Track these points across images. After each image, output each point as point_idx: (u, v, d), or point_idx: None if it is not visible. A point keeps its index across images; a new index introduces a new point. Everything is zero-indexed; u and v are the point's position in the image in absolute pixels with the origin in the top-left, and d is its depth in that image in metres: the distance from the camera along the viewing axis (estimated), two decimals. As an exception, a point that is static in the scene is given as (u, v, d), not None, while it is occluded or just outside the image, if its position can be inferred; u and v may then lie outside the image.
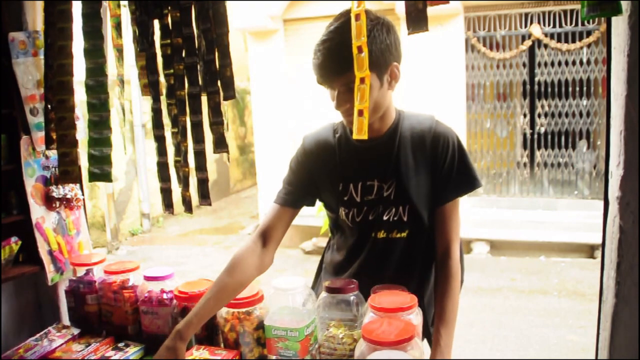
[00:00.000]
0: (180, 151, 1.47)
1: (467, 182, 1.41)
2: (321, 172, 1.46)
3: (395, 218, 1.40)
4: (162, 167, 1.53)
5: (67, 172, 1.53)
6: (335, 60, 1.26)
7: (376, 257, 1.44)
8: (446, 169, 1.38)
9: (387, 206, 1.40)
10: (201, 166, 1.43)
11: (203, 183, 1.44)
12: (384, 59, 1.28)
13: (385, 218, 1.41)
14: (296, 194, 1.47)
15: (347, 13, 1.26)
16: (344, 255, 1.50)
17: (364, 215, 1.42)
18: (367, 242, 1.44)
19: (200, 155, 1.43)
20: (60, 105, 1.51)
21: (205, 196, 1.44)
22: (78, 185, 1.88)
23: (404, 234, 1.42)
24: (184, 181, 1.49)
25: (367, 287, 1.34)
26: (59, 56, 1.50)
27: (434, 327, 1.35)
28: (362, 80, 1.16)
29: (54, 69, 1.52)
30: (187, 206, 1.50)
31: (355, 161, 1.42)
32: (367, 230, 1.43)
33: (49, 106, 1.58)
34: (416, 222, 1.41)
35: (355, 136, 1.17)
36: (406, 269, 1.45)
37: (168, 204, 1.55)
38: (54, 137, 1.58)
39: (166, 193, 1.54)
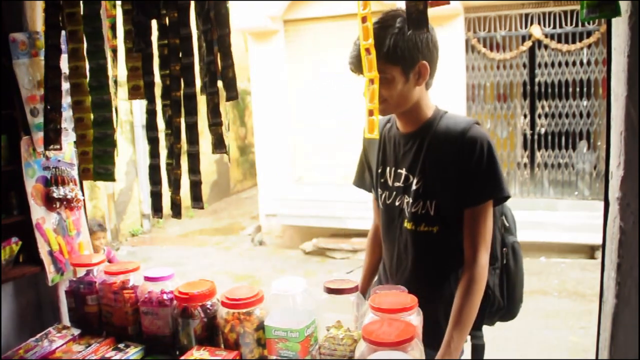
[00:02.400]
0: (173, 153, 1.45)
1: (491, 188, 1.40)
2: (371, 154, 1.63)
3: (423, 211, 1.46)
4: (154, 170, 1.52)
5: (88, 169, 1.58)
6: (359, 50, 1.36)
7: (405, 247, 1.51)
8: (471, 172, 1.39)
9: (416, 198, 1.46)
10: (194, 168, 1.41)
11: (196, 186, 1.42)
12: (410, 55, 1.34)
13: (413, 210, 1.47)
14: (366, 179, 1.69)
15: (389, 12, 1.38)
16: (383, 242, 1.65)
17: (392, 201, 1.54)
18: (397, 229, 1.53)
19: (193, 157, 1.41)
20: (77, 106, 1.55)
21: (197, 199, 1.42)
22: (78, 185, 1.88)
23: (433, 229, 1.46)
24: (175, 184, 1.48)
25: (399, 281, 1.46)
26: (73, 59, 1.52)
27: (448, 327, 1.35)
28: (372, 81, 1.18)
29: (71, 71, 1.54)
30: (176, 210, 1.48)
31: (392, 148, 1.54)
32: (396, 216, 1.54)
33: (48, 107, 1.58)
34: (446, 219, 1.44)
35: (366, 136, 1.24)
36: (440, 267, 1.49)
37: (157, 208, 1.53)
38: (61, 137, 1.61)
39: (156, 197, 1.52)
